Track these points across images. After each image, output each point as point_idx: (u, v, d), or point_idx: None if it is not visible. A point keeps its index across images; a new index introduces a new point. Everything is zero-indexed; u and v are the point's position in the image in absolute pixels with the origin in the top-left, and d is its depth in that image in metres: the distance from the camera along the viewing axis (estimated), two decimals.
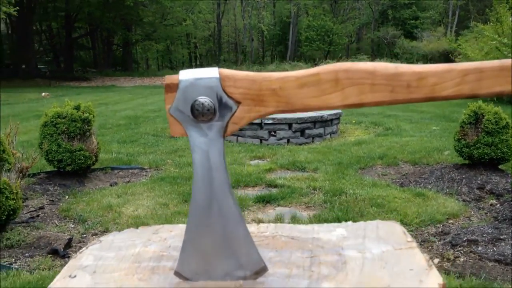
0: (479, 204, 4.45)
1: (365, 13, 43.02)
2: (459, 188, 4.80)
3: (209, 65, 41.48)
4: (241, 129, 7.62)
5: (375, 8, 41.56)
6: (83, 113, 5.05)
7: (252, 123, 7.47)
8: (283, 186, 4.95)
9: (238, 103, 0.83)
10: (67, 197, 4.71)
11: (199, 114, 0.81)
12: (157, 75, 34.68)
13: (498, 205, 4.34)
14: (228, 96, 0.82)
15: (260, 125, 7.40)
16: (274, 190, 4.86)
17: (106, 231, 3.80)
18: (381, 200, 4.42)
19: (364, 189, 4.79)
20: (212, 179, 0.83)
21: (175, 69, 40.77)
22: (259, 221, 3.99)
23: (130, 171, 5.82)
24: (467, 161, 5.23)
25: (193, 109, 0.81)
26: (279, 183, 5.07)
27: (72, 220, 4.06)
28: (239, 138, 7.66)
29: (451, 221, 4.03)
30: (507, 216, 3.92)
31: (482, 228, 3.71)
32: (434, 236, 3.70)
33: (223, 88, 0.82)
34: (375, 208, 4.22)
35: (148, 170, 5.89)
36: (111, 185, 5.18)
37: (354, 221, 4.19)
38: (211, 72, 0.83)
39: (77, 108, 5.10)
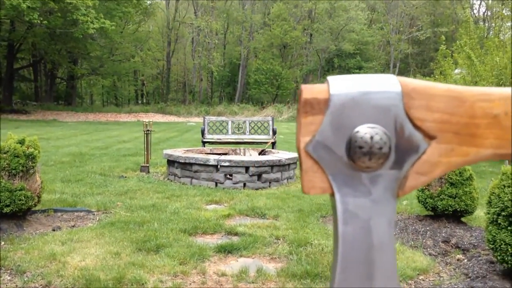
0: (446, 258, 4.33)
1: (312, 60, 44.29)
2: (424, 241, 4.68)
3: (156, 103, 41.00)
4: (195, 171, 7.30)
5: (322, 56, 42.90)
6: (28, 148, 4.60)
7: (207, 165, 7.18)
8: (244, 234, 4.64)
9: (430, 138, 0.49)
10: (3, 243, 4.18)
11: (362, 156, 0.47)
12: (101, 111, 33.80)
13: (465, 260, 4.23)
14: (415, 125, 0.48)
15: (216, 168, 7.11)
16: (235, 239, 4.55)
17: (48, 285, 3.35)
18: None
19: (329, 239, 4.57)
20: (374, 265, 0.49)
21: (120, 106, 39.92)
22: (222, 274, 3.66)
23: (76, 213, 5.34)
24: (429, 212, 5.15)
25: (351, 146, 0.47)
26: (239, 230, 4.77)
27: (9, 272, 3.56)
28: (193, 181, 7.31)
29: (422, 277, 3.87)
30: (479, 273, 3.80)
31: (456, 287, 3.56)
32: None
33: (406, 111, 0.48)
34: None
35: (95, 213, 5.42)
36: (53, 230, 4.69)
37: (325, 277, 3.91)
38: (387, 82, 0.48)
39: (21, 142, 4.64)
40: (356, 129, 0.47)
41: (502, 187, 3.69)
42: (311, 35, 42.87)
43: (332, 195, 0.48)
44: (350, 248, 0.48)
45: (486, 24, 38.27)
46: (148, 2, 38.03)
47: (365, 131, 0.47)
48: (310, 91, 0.48)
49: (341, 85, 0.48)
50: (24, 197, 4.51)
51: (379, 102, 0.47)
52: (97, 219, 5.16)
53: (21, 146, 4.56)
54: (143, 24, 41.63)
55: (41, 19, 23.39)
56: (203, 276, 3.62)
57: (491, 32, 25.30)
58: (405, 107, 0.48)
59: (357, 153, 0.47)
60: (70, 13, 24.37)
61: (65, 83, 41.17)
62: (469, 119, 0.48)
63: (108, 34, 28.94)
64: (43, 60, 35.63)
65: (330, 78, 0.49)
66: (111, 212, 5.44)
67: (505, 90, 0.49)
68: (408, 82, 0.49)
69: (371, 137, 0.47)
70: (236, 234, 4.72)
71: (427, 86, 0.49)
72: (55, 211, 5.31)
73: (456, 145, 0.49)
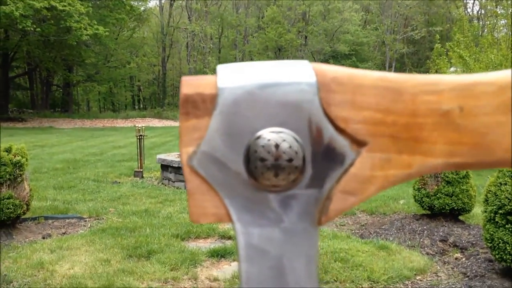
0: (443, 258, 4.25)
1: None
2: (422, 240, 4.60)
3: (153, 108, 40.92)
4: None
5: (317, 58, 42.89)
6: (15, 156, 4.51)
7: None
8: None
9: (359, 145, 0.36)
10: None
11: (266, 171, 0.35)
12: (98, 117, 33.69)
13: (463, 259, 4.15)
14: (337, 128, 0.36)
15: None
16: (228, 243, 4.47)
17: None
18: (344, 254, 4.12)
19: (324, 241, 4.49)
20: None
21: (117, 112, 39.80)
22: (214, 279, 3.57)
23: (67, 220, 5.25)
24: (426, 211, 5.07)
25: (251, 158, 0.35)
26: (233, 234, 4.67)
27: None
28: None
29: (419, 277, 3.79)
30: (477, 272, 3.72)
31: (454, 286, 3.48)
32: None
33: (324, 109, 0.36)
34: (339, 263, 3.91)
35: (87, 219, 5.33)
36: (43, 238, 4.60)
37: (320, 279, 3.86)
38: (297, 71, 0.37)
39: (8, 150, 4.55)
40: (257, 135, 0.35)
41: (499, 185, 3.61)
42: (305, 37, 42.89)
43: (232, 224, 0.36)
44: None
45: (480, 22, 38.37)
46: (142, 8, 38.01)
47: (268, 137, 0.35)
48: (192, 84, 0.36)
49: (234, 76, 0.36)
50: (12, 205, 4.42)
51: (287, 98, 0.36)
52: (88, 226, 5.07)
53: (7, 154, 4.48)
54: (137, 30, 41.58)
55: (34, 26, 23.33)
56: (194, 281, 3.53)
57: (485, 30, 25.36)
58: (322, 104, 0.36)
59: (258, 168, 0.35)
60: (63, 21, 24.30)
61: (61, 90, 41.09)
62: (410, 118, 0.36)
63: (102, 40, 28.88)
64: (38, 68, 35.56)
65: (220, 67, 0.37)
66: (103, 219, 5.35)
67: (458, 78, 0.37)
68: (326, 69, 0.37)
69: (277, 145, 0.35)
70: (229, 237, 4.63)
71: (352, 74, 0.37)
72: (46, 218, 5.22)
73: (394, 154, 0.36)
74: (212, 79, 0.36)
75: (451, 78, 0.37)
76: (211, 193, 0.36)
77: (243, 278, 0.35)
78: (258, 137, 0.35)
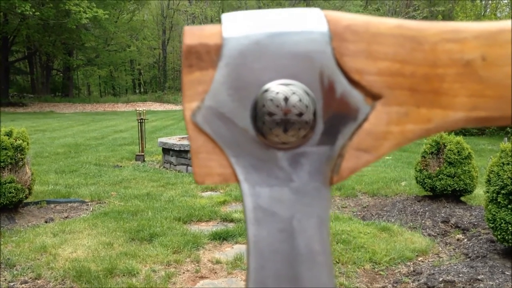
0: (445, 239, 4.26)
1: None
2: (423, 221, 4.60)
3: (154, 92, 40.79)
4: (190, 158, 7.20)
5: None
6: (16, 140, 4.50)
7: None
8: (240, 221, 4.56)
9: (374, 98, 0.34)
10: None
11: (275, 127, 0.33)
12: (99, 102, 33.63)
13: (465, 240, 4.16)
14: (351, 80, 0.34)
15: None
16: (230, 225, 4.48)
17: (38, 277, 3.27)
18: (346, 235, 4.13)
19: (333, 222, 4.49)
20: (300, 284, 0.33)
21: (118, 96, 39.70)
22: (217, 261, 3.58)
23: (69, 204, 5.26)
24: (428, 193, 5.07)
25: (258, 113, 0.33)
26: (235, 217, 4.69)
27: None
28: (189, 168, 7.22)
29: (421, 258, 3.80)
30: (479, 253, 3.72)
31: (456, 267, 3.48)
32: (407, 277, 3.43)
33: (337, 60, 0.33)
34: (341, 245, 3.92)
35: (89, 203, 5.34)
36: (46, 222, 4.61)
37: None
38: (308, 19, 0.34)
39: (9, 134, 4.54)
40: (264, 88, 0.33)
41: (501, 165, 3.59)
42: None
43: (239, 184, 0.34)
44: (266, 259, 0.33)
45: (483, 2, 37.98)
46: None
47: (277, 89, 0.32)
48: (195, 34, 0.33)
49: (240, 25, 0.33)
50: (14, 189, 4.42)
51: (297, 48, 0.33)
52: (91, 210, 5.08)
53: (8, 138, 4.46)
54: (137, 13, 41.27)
55: (33, 10, 23.13)
56: (197, 264, 3.54)
57: (487, 10, 25.14)
58: (335, 54, 0.33)
59: (267, 123, 0.32)
60: (62, 4, 24.09)
61: (61, 74, 40.96)
62: (430, 68, 0.34)
63: (101, 23, 28.67)
64: (38, 52, 35.40)
65: (225, 15, 0.35)
66: (105, 202, 5.36)
67: (482, 25, 0.34)
68: (339, 17, 0.34)
69: (286, 99, 0.32)
70: (231, 220, 4.64)
71: (368, 22, 0.34)
72: (48, 202, 5.23)
73: (412, 107, 0.34)
74: (217, 28, 0.34)
75: (475, 25, 0.34)
76: (216, 151, 0.34)
77: (251, 242, 0.33)
78: (266, 90, 0.33)
